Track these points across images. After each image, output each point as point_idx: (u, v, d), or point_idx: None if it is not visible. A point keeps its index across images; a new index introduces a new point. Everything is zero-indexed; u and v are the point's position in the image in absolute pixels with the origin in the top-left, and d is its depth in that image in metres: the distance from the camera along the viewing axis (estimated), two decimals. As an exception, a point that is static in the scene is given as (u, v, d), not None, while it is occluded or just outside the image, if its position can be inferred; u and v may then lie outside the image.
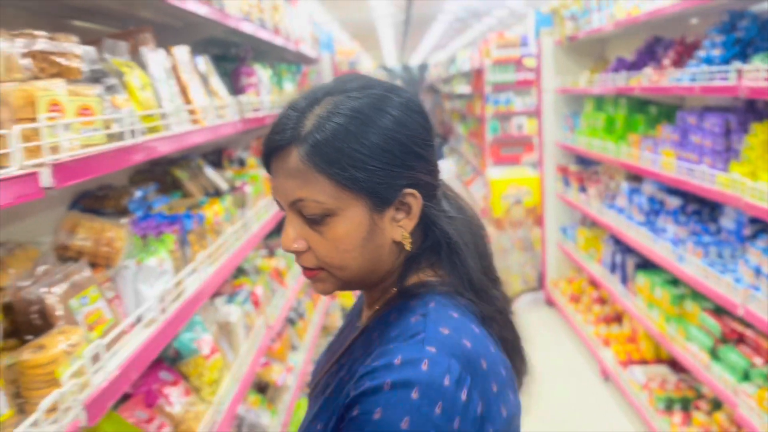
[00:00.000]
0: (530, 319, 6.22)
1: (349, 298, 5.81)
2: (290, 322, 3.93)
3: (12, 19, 1.99)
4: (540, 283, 6.24)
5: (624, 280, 4.38)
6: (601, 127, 4.74)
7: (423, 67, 24.05)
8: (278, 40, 3.70)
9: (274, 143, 0.99)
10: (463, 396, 0.88)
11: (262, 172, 3.27)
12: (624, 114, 4.51)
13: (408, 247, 1.03)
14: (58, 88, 1.36)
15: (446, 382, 0.88)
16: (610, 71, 4.55)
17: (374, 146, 0.96)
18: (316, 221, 0.98)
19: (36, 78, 1.40)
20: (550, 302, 5.98)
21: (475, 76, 10.44)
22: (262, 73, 3.40)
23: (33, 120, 1.27)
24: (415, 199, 1.01)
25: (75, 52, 1.52)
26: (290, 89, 4.16)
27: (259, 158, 1.05)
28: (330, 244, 0.98)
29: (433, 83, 16.70)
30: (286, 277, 3.57)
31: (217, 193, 2.76)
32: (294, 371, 3.45)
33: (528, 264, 6.36)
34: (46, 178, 1.24)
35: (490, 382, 0.93)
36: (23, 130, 1.22)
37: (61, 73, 1.47)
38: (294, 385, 3.38)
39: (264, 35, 3.35)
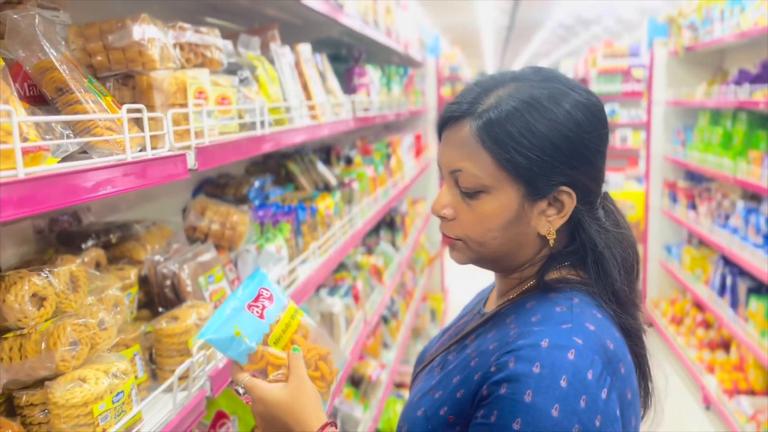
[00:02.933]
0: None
1: (439, 302, 5.81)
2: (384, 320, 3.98)
3: (154, 13, 2.14)
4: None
5: (734, 304, 4.14)
6: (716, 143, 4.51)
7: (522, 76, 23.59)
8: (390, 42, 3.77)
9: (451, 112, 1.04)
10: (604, 394, 0.87)
11: (368, 171, 3.33)
12: (743, 129, 4.28)
13: (552, 242, 1.03)
14: (204, 77, 1.45)
15: (590, 376, 0.88)
16: (731, 83, 4.32)
17: (543, 137, 0.97)
18: (469, 194, 1.02)
19: (182, 67, 1.50)
20: (648, 322, 5.72)
21: (579, 85, 10.19)
22: (373, 74, 3.47)
23: (182, 106, 1.36)
24: (569, 199, 1.01)
25: (217, 44, 1.61)
26: (397, 91, 4.22)
27: (437, 122, 1.09)
28: (476, 218, 1.02)
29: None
30: (384, 275, 3.62)
31: (326, 188, 2.85)
32: (387, 368, 3.49)
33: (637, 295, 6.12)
34: (191, 160, 1.33)
35: (626, 388, 0.93)
36: (174, 114, 1.31)
37: (204, 64, 1.56)
38: (386, 382, 3.42)
39: (378, 36, 3.42)
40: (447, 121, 1.05)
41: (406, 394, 3.97)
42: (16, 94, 0.99)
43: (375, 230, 4.33)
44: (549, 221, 1.02)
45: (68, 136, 1.09)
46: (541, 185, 0.99)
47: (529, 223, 1.02)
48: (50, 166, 0.97)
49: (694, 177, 5.28)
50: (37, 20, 1.12)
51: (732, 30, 4.13)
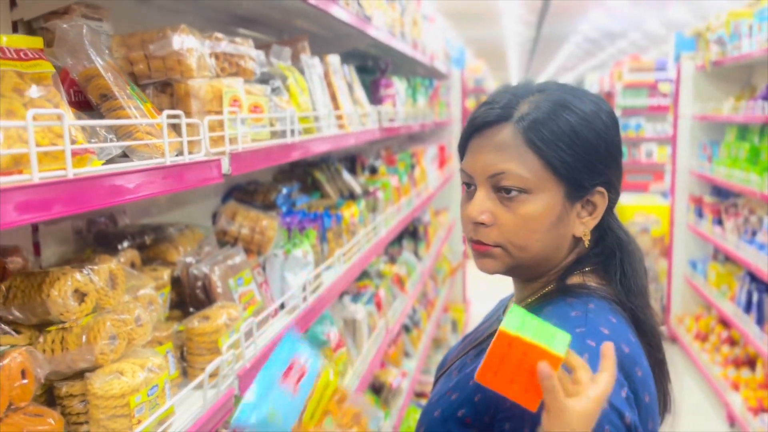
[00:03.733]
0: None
1: (461, 313, 5.82)
2: (405, 329, 4.01)
3: (190, 24, 2.21)
4: (663, 318, 5.94)
5: (760, 321, 4.09)
6: (744, 158, 4.47)
7: (547, 89, 23.57)
8: (417, 54, 3.81)
9: (487, 119, 1.04)
10: (623, 394, 0.89)
11: (392, 180, 3.37)
12: (772, 145, 4.24)
13: (587, 243, 1.06)
14: (238, 85, 1.51)
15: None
16: (759, 99, 4.29)
17: (586, 140, 1.01)
18: (509, 196, 1.01)
19: (218, 76, 1.55)
20: (672, 338, 5.68)
21: (605, 98, 10.17)
22: (399, 86, 3.52)
23: (217, 113, 1.42)
24: (602, 199, 1.05)
25: (251, 54, 1.67)
26: (422, 103, 4.26)
27: (464, 131, 1.09)
28: (519, 221, 1.01)
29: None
30: (406, 284, 3.65)
31: (351, 196, 2.89)
32: (408, 377, 3.51)
33: (651, 297, 6.07)
34: (225, 165, 1.38)
35: (643, 391, 0.94)
36: (209, 121, 1.37)
37: (238, 73, 1.62)
38: (407, 390, 3.44)
39: (404, 48, 3.47)
40: (479, 128, 1.05)
41: (426, 403, 3.97)
42: (65, 99, 1.04)
43: (398, 240, 4.36)
44: (583, 223, 1.05)
45: (111, 140, 1.14)
46: (582, 183, 1.02)
47: (567, 225, 1.04)
48: (96, 167, 1.02)
49: (721, 192, 5.24)
50: (84, 30, 1.19)
51: (760, 45, 4.11)
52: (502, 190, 1.02)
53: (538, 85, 1.08)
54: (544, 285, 1.09)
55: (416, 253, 4.31)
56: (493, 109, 1.05)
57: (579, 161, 1.01)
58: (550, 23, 11.16)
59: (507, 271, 1.08)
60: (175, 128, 1.30)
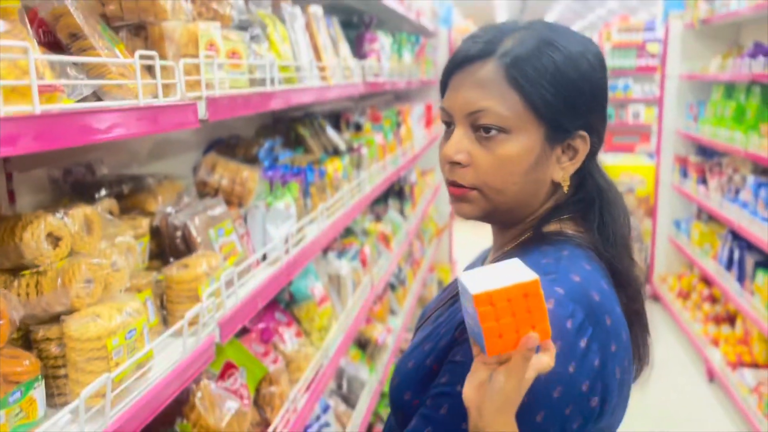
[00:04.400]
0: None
1: (447, 273, 5.86)
2: (391, 287, 4.03)
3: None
4: (646, 277, 6.01)
5: (741, 278, 4.15)
6: (729, 116, 4.48)
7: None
8: (402, 9, 3.75)
9: (469, 53, 1.00)
10: (582, 344, 0.88)
11: (377, 137, 3.35)
12: (757, 103, 4.24)
13: (566, 189, 1.03)
14: (215, 30, 1.47)
15: (568, 325, 0.89)
16: (746, 57, 4.28)
17: (570, 80, 0.98)
18: (487, 136, 0.97)
19: (194, 20, 1.51)
20: (655, 297, 5.76)
21: (593, 60, 10.11)
22: (384, 40, 3.47)
23: (193, 57, 1.38)
24: (584, 144, 1.01)
25: (229, 0, 1.62)
26: (408, 59, 4.21)
27: (444, 68, 1.05)
28: (496, 161, 0.97)
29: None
30: (392, 242, 3.65)
31: (335, 152, 2.87)
32: (393, 333, 3.54)
33: (635, 256, 6.13)
34: (202, 110, 1.35)
35: (610, 340, 0.92)
36: (185, 64, 1.33)
37: (215, 18, 1.58)
38: (392, 346, 3.47)
39: (390, 2, 3.40)
40: (461, 63, 1.01)
41: (411, 360, 4.01)
42: (33, 35, 1.01)
43: (384, 199, 4.35)
44: (563, 168, 1.02)
45: (81, 79, 1.11)
46: (564, 125, 0.99)
47: (546, 169, 1.01)
48: (66, 105, 1.00)
49: (706, 152, 5.26)
50: (52, -34, 1.14)
51: (748, 3, 4.08)
52: (480, 129, 0.98)
53: (525, 23, 1.04)
54: (521, 232, 1.06)
55: (402, 213, 4.30)
56: (476, 43, 1.00)
57: (561, 101, 0.97)
58: (540, -17, 11.02)
59: (484, 217, 1.05)
60: (150, 71, 1.27)
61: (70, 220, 1.16)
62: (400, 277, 4.17)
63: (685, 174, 5.35)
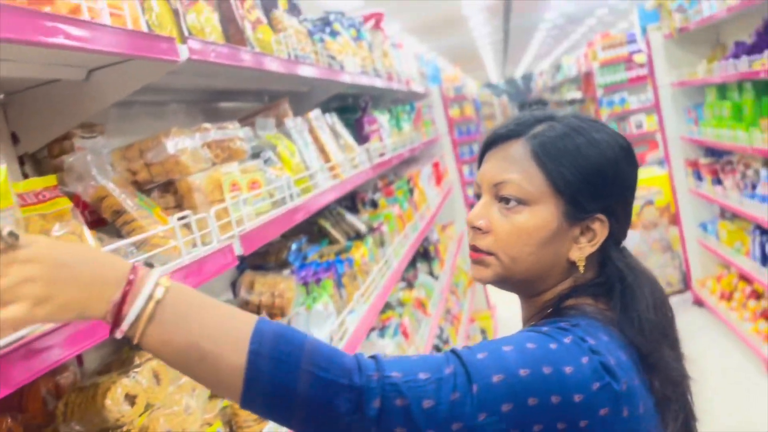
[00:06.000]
0: (680, 322, 5.92)
1: (488, 320, 5.88)
2: (436, 350, 4.08)
3: (172, 113, 2.33)
4: (685, 284, 5.98)
5: (778, 270, 4.15)
6: (728, 116, 4.55)
7: (527, 78, 23.79)
8: (393, 85, 3.94)
9: (504, 132, 1.10)
10: (595, 387, 0.89)
11: (394, 210, 3.47)
12: (751, 99, 4.32)
13: (582, 270, 1.07)
14: (234, 169, 1.62)
15: (584, 360, 0.90)
16: (730, 57, 4.39)
17: (591, 162, 1.05)
18: (508, 206, 1.05)
19: (213, 164, 1.66)
20: (698, 302, 5.72)
21: (584, 80, 10.28)
22: (382, 119, 3.64)
23: (221, 201, 1.52)
24: (602, 227, 1.06)
25: (239, 135, 1.78)
26: (408, 128, 4.38)
27: (482, 142, 1.16)
28: (513, 230, 1.04)
29: (540, 96, 16.43)
30: (428, 306, 3.73)
31: (358, 236, 2.99)
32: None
33: (669, 265, 6.12)
34: (237, 248, 1.48)
35: (622, 403, 0.92)
36: (216, 211, 1.47)
37: (231, 156, 1.73)
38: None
39: (380, 83, 3.59)
40: (495, 141, 1.10)
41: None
42: (85, 226, 1.15)
43: (412, 263, 4.45)
44: (580, 248, 1.06)
45: (132, 252, 1.25)
46: (582, 205, 1.04)
47: (562, 246, 1.05)
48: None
49: (714, 152, 5.31)
50: (88, 158, 1.30)
51: (719, 7, 4.22)
52: (503, 200, 1.06)
53: (560, 114, 1.12)
54: (542, 308, 1.10)
55: (431, 273, 4.39)
56: (509, 125, 1.10)
57: (581, 181, 1.03)
58: (517, 17, 11.33)
59: (498, 282, 1.09)
60: (187, 224, 1.40)
61: (141, 377, 1.27)
62: (443, 338, 4.23)
63: (699, 177, 5.39)
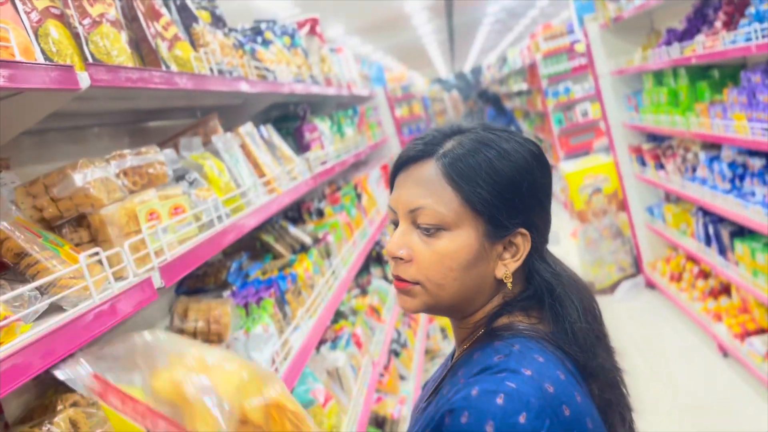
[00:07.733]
0: (634, 305, 6.10)
1: (447, 320, 5.87)
2: (394, 353, 4.05)
3: (97, 137, 2.23)
4: (637, 268, 6.09)
5: (722, 250, 4.24)
6: (665, 102, 4.64)
7: (476, 72, 24.00)
8: (331, 91, 3.88)
9: (412, 153, 1.06)
10: None
11: (340, 218, 3.42)
12: (686, 84, 4.41)
13: (510, 286, 1.05)
14: (151, 197, 1.54)
15: (522, 419, 0.88)
16: (663, 44, 4.46)
17: (506, 176, 1.02)
18: (428, 232, 1.02)
19: (131, 192, 1.59)
20: (650, 285, 5.82)
21: (529, 71, 10.39)
22: (322, 126, 3.58)
23: (138, 232, 1.45)
24: (524, 242, 1.04)
25: (159, 159, 1.71)
26: (351, 133, 4.33)
27: (392, 165, 1.12)
28: (436, 257, 1.01)
29: (486, 88, 16.57)
30: (382, 312, 3.69)
31: (303, 248, 2.93)
32: (407, 401, 3.55)
33: (620, 251, 6.23)
34: (157, 280, 1.41)
35: (571, 430, 0.91)
36: (130, 245, 1.40)
37: (150, 182, 1.65)
38: (409, 415, 3.48)
39: (317, 90, 3.53)
40: (404, 163, 1.07)
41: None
42: (-22, 276, 1.07)
43: (365, 269, 4.41)
44: (505, 264, 1.04)
45: (36, 298, 1.17)
46: (502, 223, 1.01)
47: (487, 265, 1.02)
48: (24, 334, 1.05)
49: (655, 138, 5.41)
50: (-17, 199, 1.21)
51: (650, -6, 4.28)
52: (421, 225, 1.03)
53: (468, 127, 1.09)
54: (475, 329, 1.08)
55: (386, 278, 4.36)
56: (417, 145, 1.07)
57: (497, 198, 1.01)
58: (459, 14, 11.38)
59: (428, 310, 1.08)
60: (100, 259, 1.33)
61: (57, 428, 1.20)
62: (400, 342, 4.20)
63: (643, 162, 5.49)
